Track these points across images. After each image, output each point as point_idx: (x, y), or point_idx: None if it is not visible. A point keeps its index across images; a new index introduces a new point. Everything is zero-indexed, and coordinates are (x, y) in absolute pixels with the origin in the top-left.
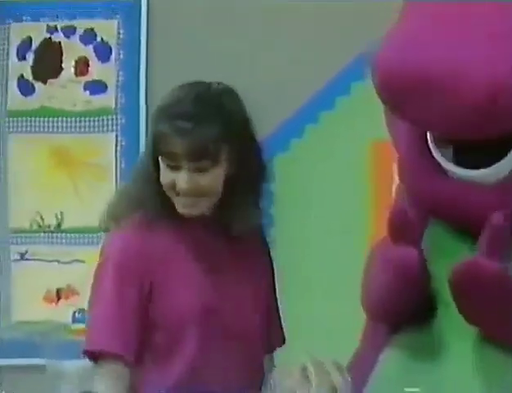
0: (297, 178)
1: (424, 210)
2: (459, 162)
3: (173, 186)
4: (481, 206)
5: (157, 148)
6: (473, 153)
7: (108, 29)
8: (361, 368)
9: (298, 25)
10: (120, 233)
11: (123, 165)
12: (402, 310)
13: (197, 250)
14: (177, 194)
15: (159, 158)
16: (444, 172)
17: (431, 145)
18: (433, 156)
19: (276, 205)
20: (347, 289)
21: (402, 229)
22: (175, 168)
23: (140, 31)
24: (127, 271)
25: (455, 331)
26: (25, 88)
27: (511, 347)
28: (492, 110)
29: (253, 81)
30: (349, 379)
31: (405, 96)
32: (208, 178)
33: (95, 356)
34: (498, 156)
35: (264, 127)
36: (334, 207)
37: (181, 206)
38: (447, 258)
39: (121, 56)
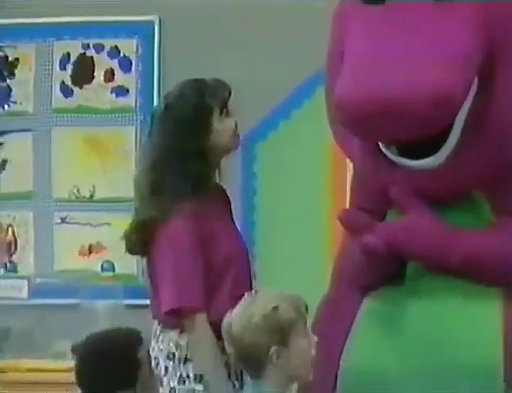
0: (273, 161)
1: (381, 203)
2: (404, 156)
3: (236, 130)
4: (425, 186)
5: (208, 117)
6: (414, 147)
7: (129, 46)
8: (338, 311)
9: (275, 47)
10: (175, 219)
11: (139, 148)
12: (379, 280)
13: (222, 210)
14: (237, 135)
15: (213, 119)
16: (394, 166)
17: (382, 148)
18: (383, 155)
19: (258, 181)
20: (310, 239)
21: (357, 228)
22: (227, 114)
23: (153, 48)
24: (190, 243)
25: (421, 284)
26: (66, 92)
27: (464, 293)
28: (436, 121)
29: (243, 86)
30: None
31: (370, 126)
32: None
33: (176, 313)
34: (435, 148)
35: (248, 122)
36: (301, 183)
37: (239, 142)
38: None
39: (139, 67)
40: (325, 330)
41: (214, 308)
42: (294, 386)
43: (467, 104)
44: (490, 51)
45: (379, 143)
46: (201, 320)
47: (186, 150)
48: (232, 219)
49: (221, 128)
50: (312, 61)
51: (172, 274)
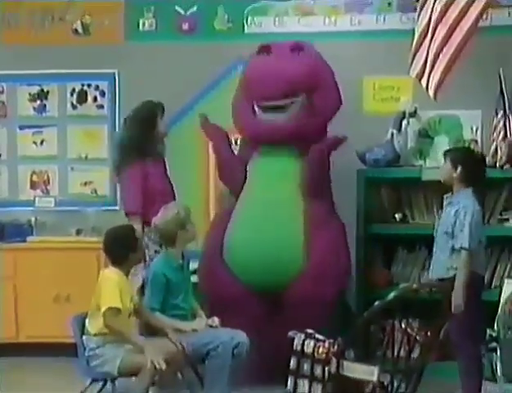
0: (180, 137)
1: (251, 139)
2: (266, 111)
3: (164, 131)
4: (277, 132)
5: (155, 119)
6: (273, 109)
7: (103, 85)
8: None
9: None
10: (133, 166)
11: (110, 135)
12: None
13: (159, 166)
14: (165, 134)
15: (158, 122)
16: (262, 120)
17: (256, 107)
18: (256, 115)
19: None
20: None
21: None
22: (161, 119)
23: (115, 85)
24: (136, 177)
25: (264, 191)
26: (73, 107)
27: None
28: (286, 92)
29: (169, 100)
30: None
31: (259, 89)
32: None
33: (127, 212)
34: (284, 112)
35: (169, 116)
36: (190, 143)
37: (166, 133)
38: (258, 176)
39: (109, 96)
40: (219, 219)
41: (150, 216)
42: None
43: (300, 100)
44: (313, 79)
45: (255, 108)
46: (134, 218)
47: (145, 134)
48: (166, 171)
49: (160, 125)
50: (193, 89)
51: (126, 193)
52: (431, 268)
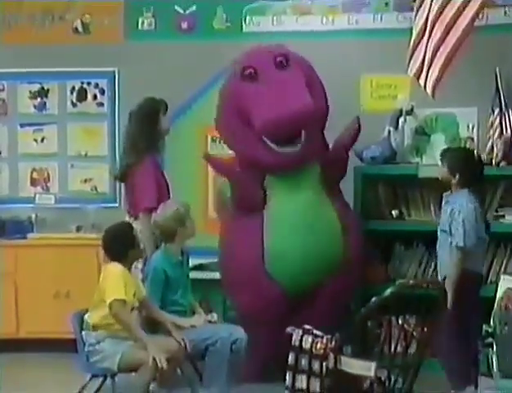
0: (180, 137)
1: (261, 173)
2: (281, 146)
3: (167, 127)
4: (289, 163)
5: (157, 116)
6: (285, 141)
7: (103, 83)
8: (249, 220)
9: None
10: (144, 162)
11: (109, 133)
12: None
13: (159, 161)
14: (167, 131)
15: (160, 118)
16: (274, 152)
17: (267, 141)
18: (268, 147)
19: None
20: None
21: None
22: (165, 115)
23: (114, 84)
24: (151, 172)
25: (292, 198)
26: (73, 105)
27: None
28: (301, 124)
29: (170, 96)
30: None
31: (281, 131)
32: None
33: (144, 209)
34: (294, 143)
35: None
36: (190, 138)
37: (169, 129)
38: (282, 187)
39: (109, 93)
40: (250, 229)
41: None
42: None
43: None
44: (313, 97)
45: (266, 141)
46: (147, 215)
47: (148, 130)
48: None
49: (163, 121)
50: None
51: (141, 189)
52: (438, 267)
